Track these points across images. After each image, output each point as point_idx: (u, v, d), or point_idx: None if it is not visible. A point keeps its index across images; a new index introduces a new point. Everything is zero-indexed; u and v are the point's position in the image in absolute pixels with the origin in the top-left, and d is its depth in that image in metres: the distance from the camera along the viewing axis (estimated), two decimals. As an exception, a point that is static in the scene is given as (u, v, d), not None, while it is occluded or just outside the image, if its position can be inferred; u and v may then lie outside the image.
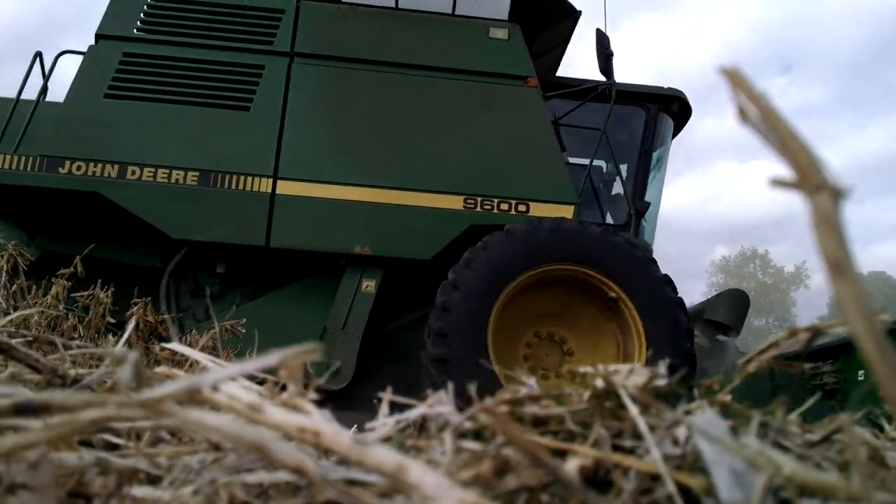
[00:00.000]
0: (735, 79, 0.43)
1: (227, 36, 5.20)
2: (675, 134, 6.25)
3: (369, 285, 4.82)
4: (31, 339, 1.25)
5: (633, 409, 0.65)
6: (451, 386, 0.74)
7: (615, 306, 4.25)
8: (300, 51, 5.24)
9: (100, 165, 4.70)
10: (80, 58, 5.13)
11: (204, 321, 4.93)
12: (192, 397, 0.54)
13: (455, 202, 4.92)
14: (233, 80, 5.09)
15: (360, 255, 4.78)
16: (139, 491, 0.62)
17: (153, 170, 4.74)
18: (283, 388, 0.68)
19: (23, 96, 4.91)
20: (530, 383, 0.75)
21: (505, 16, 5.47)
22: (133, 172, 4.71)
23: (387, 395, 0.82)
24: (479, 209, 4.91)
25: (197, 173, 4.79)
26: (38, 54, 5.06)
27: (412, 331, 4.89)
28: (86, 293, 3.25)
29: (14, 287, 3.16)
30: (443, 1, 5.45)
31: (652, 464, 0.58)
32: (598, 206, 5.92)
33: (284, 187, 4.84)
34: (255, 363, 0.56)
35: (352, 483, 0.56)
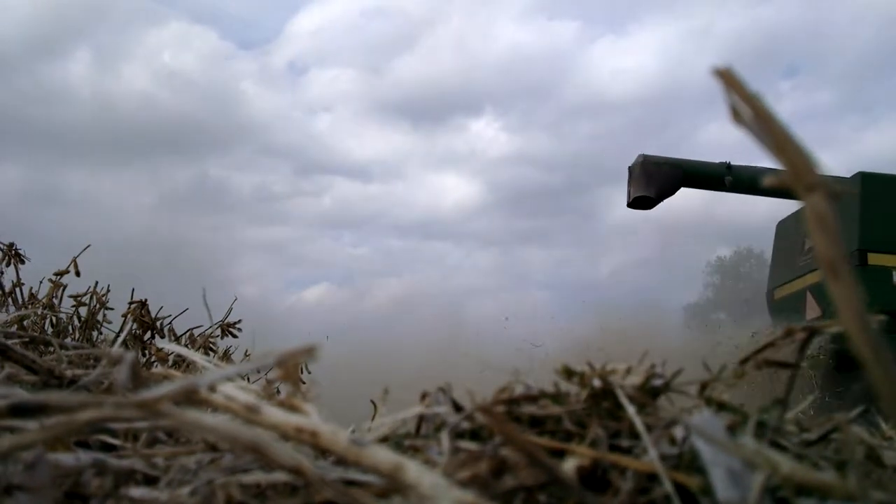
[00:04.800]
0: (729, 79, 0.43)
1: None
2: None
3: None
4: (27, 339, 1.24)
5: (630, 409, 0.65)
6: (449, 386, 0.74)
7: None
8: None
9: None
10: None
11: None
12: (189, 398, 0.54)
13: None
14: None
15: None
16: (136, 492, 0.61)
17: None
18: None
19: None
20: (528, 383, 0.75)
21: None
22: None
23: (383, 396, 0.82)
24: None
25: None
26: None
27: None
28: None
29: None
30: None
31: (649, 463, 0.58)
32: None
33: None
34: (251, 364, 0.56)
35: (349, 483, 0.56)
